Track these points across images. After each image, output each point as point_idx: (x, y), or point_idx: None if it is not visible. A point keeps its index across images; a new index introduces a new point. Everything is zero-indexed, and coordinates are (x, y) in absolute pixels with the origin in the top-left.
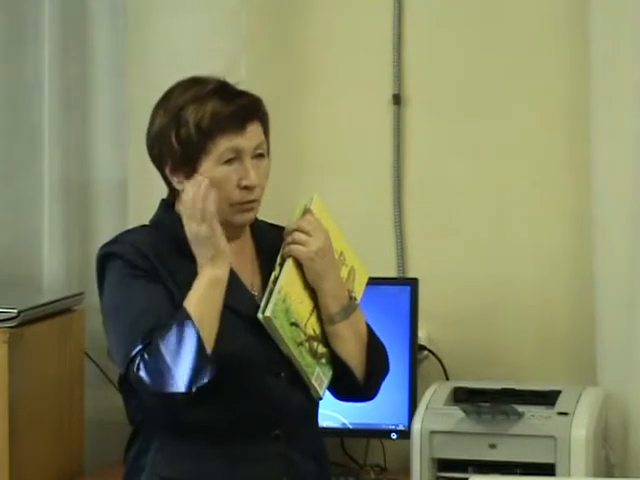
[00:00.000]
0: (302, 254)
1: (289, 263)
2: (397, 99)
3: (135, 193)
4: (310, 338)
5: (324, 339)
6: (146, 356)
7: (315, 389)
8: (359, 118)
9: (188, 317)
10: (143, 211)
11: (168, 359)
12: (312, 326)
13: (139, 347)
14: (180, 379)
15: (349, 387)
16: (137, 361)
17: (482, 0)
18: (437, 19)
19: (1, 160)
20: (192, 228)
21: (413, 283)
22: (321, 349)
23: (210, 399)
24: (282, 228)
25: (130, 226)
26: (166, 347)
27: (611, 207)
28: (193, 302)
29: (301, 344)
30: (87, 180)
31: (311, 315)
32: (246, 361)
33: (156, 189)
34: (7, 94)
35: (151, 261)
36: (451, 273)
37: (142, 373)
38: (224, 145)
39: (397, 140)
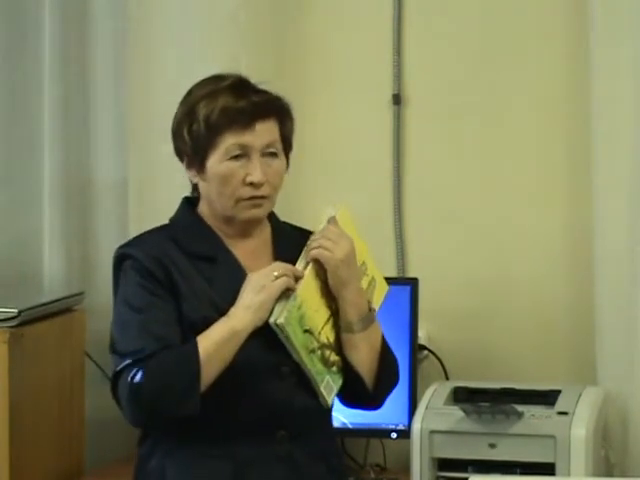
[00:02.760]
0: (329, 260)
1: (309, 270)
2: (397, 99)
3: (135, 193)
4: (323, 346)
5: (337, 347)
6: (141, 370)
7: (323, 397)
8: (359, 118)
9: (195, 353)
10: (143, 211)
11: (158, 382)
12: (326, 334)
13: (128, 362)
14: (164, 400)
15: (358, 396)
16: (131, 371)
17: (482, 0)
18: (437, 19)
19: (1, 160)
20: (252, 297)
21: (413, 283)
22: (333, 357)
23: (215, 401)
24: (307, 231)
25: (130, 226)
26: (162, 371)
27: (611, 206)
28: (206, 343)
29: (313, 351)
30: (87, 180)
31: (326, 323)
32: (250, 363)
33: (156, 189)
34: (7, 94)
35: (166, 267)
36: (451, 273)
37: (135, 380)
38: (230, 141)
39: (397, 140)
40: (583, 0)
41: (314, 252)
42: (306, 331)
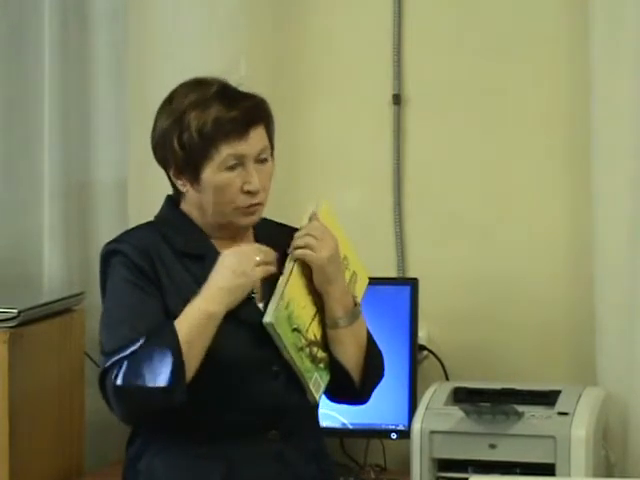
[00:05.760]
0: (313, 259)
1: (295, 267)
2: (397, 99)
3: (135, 193)
4: (311, 343)
5: (324, 344)
6: (122, 369)
7: (312, 394)
8: (359, 118)
9: (173, 343)
10: (143, 211)
11: (141, 379)
12: (313, 331)
13: (112, 361)
14: (150, 395)
15: (345, 391)
16: (113, 371)
17: (482, 0)
18: (437, 19)
19: (1, 160)
20: (229, 279)
21: (413, 283)
22: (320, 354)
23: (206, 400)
24: (289, 227)
25: (130, 226)
26: (144, 366)
27: (611, 207)
28: (184, 330)
29: (301, 349)
30: (87, 180)
31: (313, 320)
32: (241, 362)
33: (156, 189)
34: (7, 94)
35: (153, 262)
36: (451, 273)
37: (117, 382)
38: (226, 151)
39: (397, 140)
40: (585, 2)
41: (298, 252)
42: (295, 329)
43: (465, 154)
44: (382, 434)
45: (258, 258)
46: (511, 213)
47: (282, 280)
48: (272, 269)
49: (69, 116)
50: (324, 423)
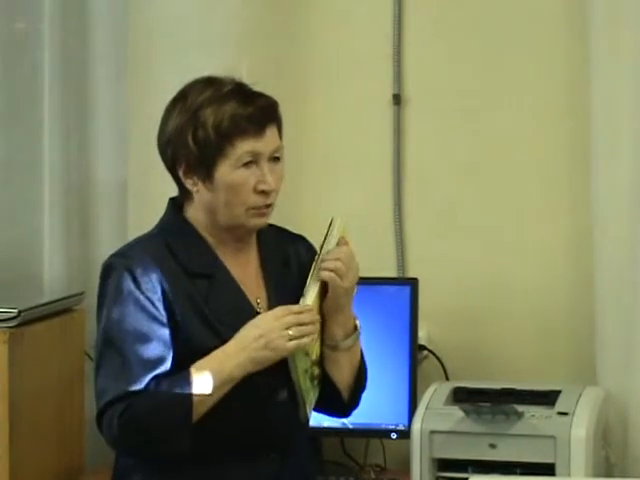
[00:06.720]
0: (337, 287)
1: (316, 293)
2: (397, 99)
3: (135, 193)
4: (312, 363)
5: (320, 361)
6: (124, 414)
7: (305, 411)
8: (359, 118)
9: (188, 401)
10: (143, 211)
11: (146, 424)
12: (315, 350)
13: (114, 398)
14: (153, 447)
15: (333, 407)
16: (113, 412)
17: (482, 0)
18: (437, 19)
19: (1, 161)
20: (259, 349)
21: (413, 283)
22: (317, 371)
23: (210, 423)
24: (289, 233)
25: (130, 226)
26: (152, 415)
27: (611, 207)
28: (201, 388)
29: (306, 371)
30: (87, 180)
31: (317, 341)
32: (248, 387)
33: (156, 189)
34: (7, 94)
35: (162, 283)
36: (451, 273)
37: (119, 422)
38: (243, 148)
39: (397, 140)
40: (583, 1)
41: (327, 275)
42: (306, 353)
43: (465, 154)
44: (382, 434)
45: (291, 332)
46: (511, 212)
47: (302, 300)
48: (305, 342)
49: (69, 116)
50: (324, 423)
